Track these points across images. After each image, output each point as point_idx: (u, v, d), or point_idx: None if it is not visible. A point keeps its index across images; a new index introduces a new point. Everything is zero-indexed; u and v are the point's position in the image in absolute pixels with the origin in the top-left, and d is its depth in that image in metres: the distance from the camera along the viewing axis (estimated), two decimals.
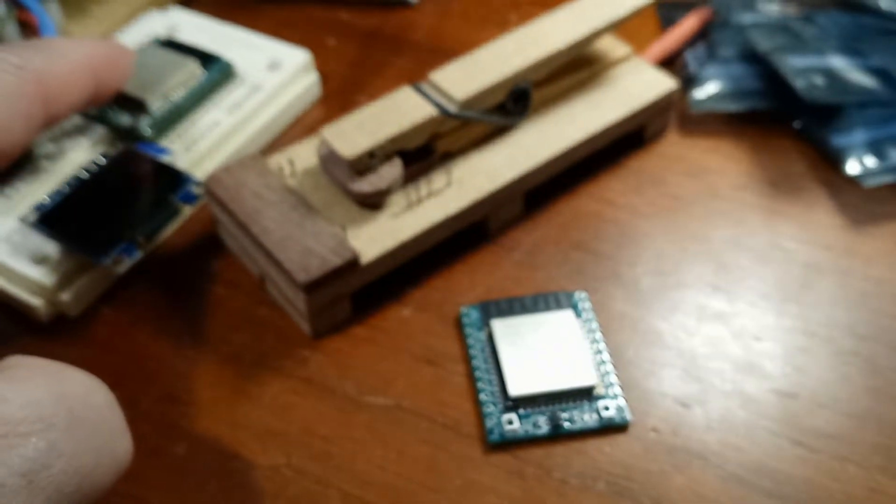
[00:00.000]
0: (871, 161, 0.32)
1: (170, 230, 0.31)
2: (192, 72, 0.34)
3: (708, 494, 0.23)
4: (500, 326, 0.27)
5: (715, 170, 0.32)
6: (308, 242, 0.26)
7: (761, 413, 0.25)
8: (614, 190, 0.32)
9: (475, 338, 0.27)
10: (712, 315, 0.28)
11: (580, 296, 0.28)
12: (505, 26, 0.40)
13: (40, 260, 0.28)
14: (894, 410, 0.25)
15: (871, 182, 0.31)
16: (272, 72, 0.35)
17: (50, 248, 0.29)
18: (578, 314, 0.27)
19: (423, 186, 0.28)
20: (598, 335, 0.27)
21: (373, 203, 0.28)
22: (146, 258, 0.30)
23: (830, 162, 0.32)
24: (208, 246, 0.31)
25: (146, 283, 0.30)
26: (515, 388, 0.25)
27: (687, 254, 0.30)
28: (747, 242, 0.30)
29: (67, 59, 0.26)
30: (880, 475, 0.24)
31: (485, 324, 0.27)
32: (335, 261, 0.26)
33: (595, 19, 0.31)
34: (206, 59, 0.34)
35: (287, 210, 0.27)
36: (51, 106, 0.25)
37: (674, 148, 0.33)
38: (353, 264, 0.26)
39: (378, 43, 0.39)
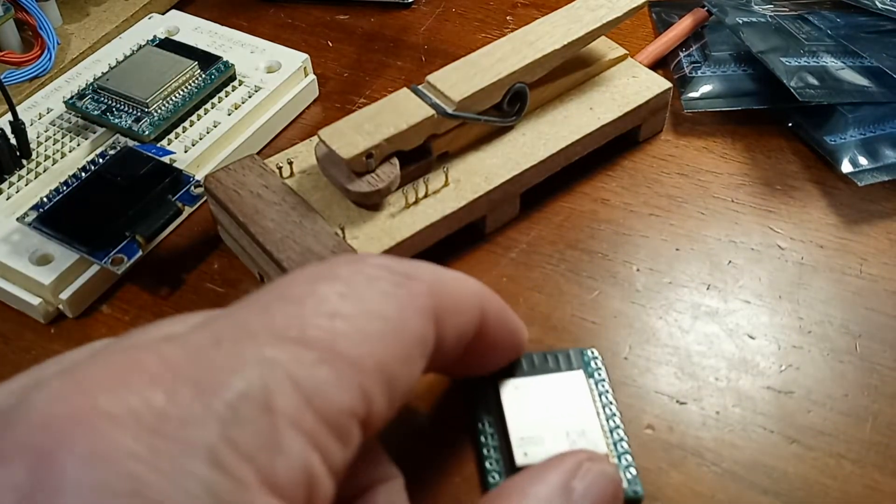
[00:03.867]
0: (864, 160, 0.32)
1: (169, 230, 0.31)
2: (192, 73, 0.34)
3: (704, 492, 0.24)
4: (507, 388, 0.24)
5: (709, 169, 0.33)
6: (307, 242, 0.27)
7: (756, 410, 0.25)
8: (609, 190, 0.32)
9: (480, 397, 0.25)
10: (707, 313, 0.28)
11: (591, 354, 0.26)
12: (501, 28, 0.40)
13: (40, 260, 0.29)
14: (890, 408, 0.25)
15: (865, 181, 0.31)
16: (271, 73, 0.35)
17: (49, 247, 0.29)
18: (589, 374, 0.25)
19: (420, 187, 0.29)
20: (610, 396, 0.25)
21: (371, 203, 0.28)
22: (146, 258, 0.30)
23: (824, 161, 0.33)
24: (208, 246, 0.31)
25: (146, 283, 0.30)
26: (522, 457, 0.23)
27: (681, 253, 0.30)
28: (741, 241, 0.30)
29: (458, 277, 0.21)
30: (877, 473, 0.24)
31: (492, 382, 0.25)
32: None
33: (589, 21, 0.31)
34: (206, 60, 0.35)
35: (286, 210, 0.28)
36: (440, 329, 0.19)
37: (668, 148, 0.34)
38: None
39: (376, 45, 0.40)
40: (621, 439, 0.24)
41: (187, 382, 0.15)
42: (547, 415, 0.24)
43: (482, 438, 0.24)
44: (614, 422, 0.24)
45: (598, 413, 0.24)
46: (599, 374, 0.25)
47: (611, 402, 0.25)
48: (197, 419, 0.15)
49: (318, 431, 0.16)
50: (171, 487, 0.14)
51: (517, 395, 0.24)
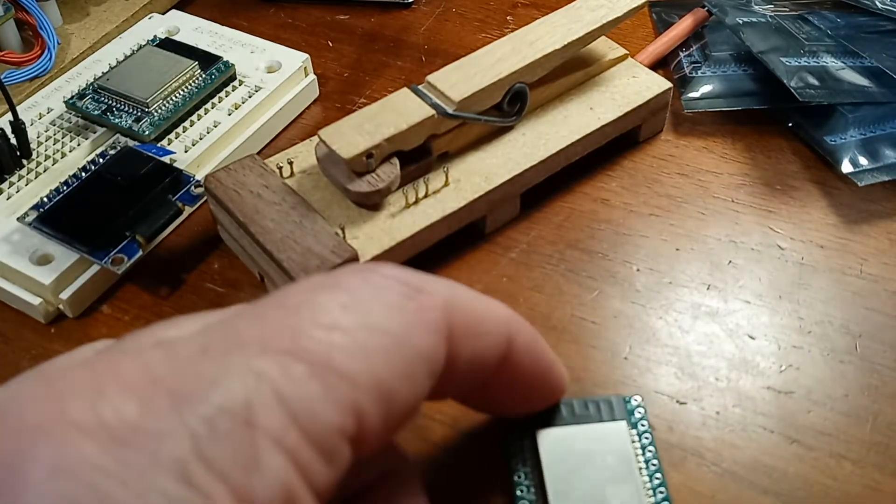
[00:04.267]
0: (864, 160, 0.32)
1: (169, 230, 0.31)
2: (192, 73, 0.34)
3: (704, 491, 0.24)
4: (545, 438, 0.23)
5: (709, 169, 0.33)
6: (307, 242, 0.27)
7: (756, 410, 0.25)
8: (609, 190, 0.32)
9: (517, 447, 0.24)
10: (707, 313, 0.28)
11: (635, 402, 0.25)
12: (501, 28, 0.40)
13: (40, 260, 0.29)
14: (889, 408, 0.25)
15: (865, 181, 0.31)
16: (271, 73, 0.35)
17: (50, 247, 0.29)
18: (633, 424, 0.24)
19: (420, 187, 0.29)
20: (654, 450, 0.24)
21: (371, 203, 0.28)
22: (146, 258, 0.30)
23: (824, 161, 0.33)
24: (208, 246, 0.31)
25: (146, 283, 0.30)
26: None
27: (681, 253, 0.30)
28: (741, 241, 0.30)
29: (483, 300, 0.20)
30: (877, 473, 0.24)
31: (530, 430, 0.24)
32: (334, 260, 0.26)
33: (589, 21, 0.31)
34: (206, 60, 0.35)
35: (286, 210, 0.28)
36: (452, 349, 0.18)
37: (668, 148, 0.34)
38: (352, 263, 0.26)
39: (376, 45, 0.40)
40: (665, 498, 0.23)
41: (165, 393, 0.15)
42: (587, 469, 0.23)
43: (518, 491, 0.23)
44: (658, 478, 0.23)
45: (640, 469, 0.23)
46: (643, 426, 0.24)
47: (655, 458, 0.23)
48: (169, 432, 0.14)
49: (301, 450, 0.15)
50: (135, 502, 0.13)
51: (556, 446, 0.23)
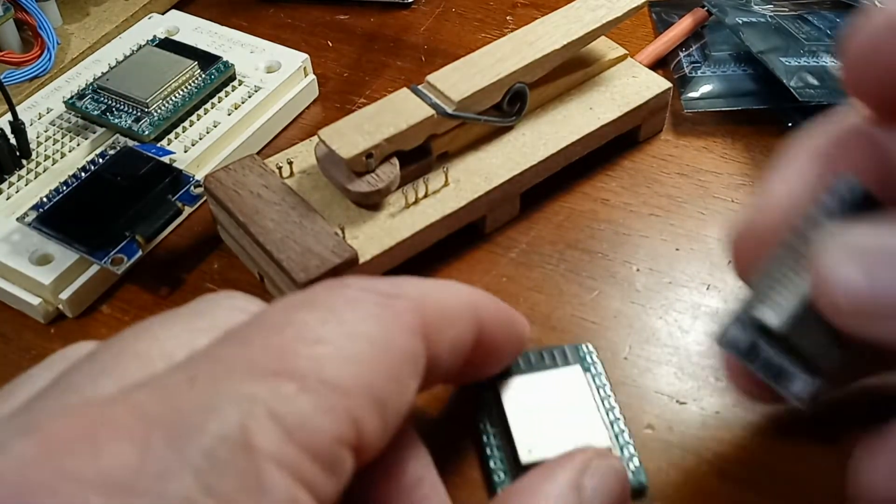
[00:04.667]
0: None
1: (169, 230, 0.31)
2: (192, 73, 0.34)
3: (704, 491, 0.24)
4: (506, 387, 0.24)
5: (709, 169, 0.33)
6: (307, 242, 0.27)
7: (756, 410, 0.25)
8: (609, 190, 0.32)
9: (482, 397, 0.25)
10: (707, 313, 0.28)
11: (587, 349, 0.26)
12: (501, 28, 0.40)
13: (40, 260, 0.29)
14: None
15: None
16: (271, 73, 0.35)
17: (49, 247, 0.29)
18: (586, 368, 0.25)
19: (420, 187, 0.29)
20: (608, 390, 0.25)
21: (371, 203, 0.28)
22: (146, 258, 0.30)
23: None
24: (208, 246, 0.31)
25: (146, 283, 0.30)
26: (527, 454, 0.23)
27: (681, 253, 0.30)
28: None
29: (447, 289, 0.20)
30: None
31: (491, 383, 0.25)
32: (334, 260, 0.26)
33: (589, 21, 0.31)
34: (206, 60, 0.35)
35: (286, 210, 0.28)
36: (431, 344, 0.19)
37: (668, 148, 0.34)
38: (351, 263, 0.26)
39: (376, 45, 0.40)
40: (622, 431, 0.24)
41: (160, 431, 0.14)
42: (548, 411, 0.24)
43: (484, 438, 0.24)
44: (614, 414, 0.24)
45: (598, 407, 0.24)
46: (596, 369, 0.25)
47: (609, 396, 0.25)
48: (172, 470, 0.14)
49: (303, 465, 0.15)
50: None
51: (517, 394, 0.24)
